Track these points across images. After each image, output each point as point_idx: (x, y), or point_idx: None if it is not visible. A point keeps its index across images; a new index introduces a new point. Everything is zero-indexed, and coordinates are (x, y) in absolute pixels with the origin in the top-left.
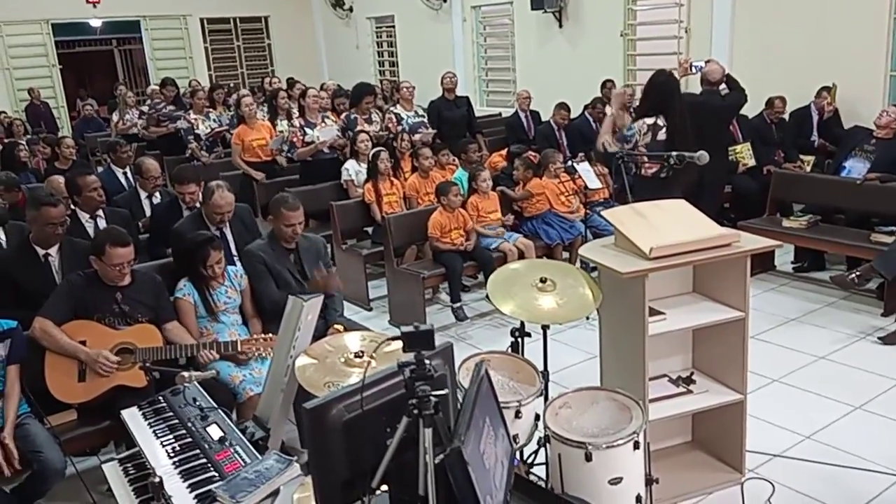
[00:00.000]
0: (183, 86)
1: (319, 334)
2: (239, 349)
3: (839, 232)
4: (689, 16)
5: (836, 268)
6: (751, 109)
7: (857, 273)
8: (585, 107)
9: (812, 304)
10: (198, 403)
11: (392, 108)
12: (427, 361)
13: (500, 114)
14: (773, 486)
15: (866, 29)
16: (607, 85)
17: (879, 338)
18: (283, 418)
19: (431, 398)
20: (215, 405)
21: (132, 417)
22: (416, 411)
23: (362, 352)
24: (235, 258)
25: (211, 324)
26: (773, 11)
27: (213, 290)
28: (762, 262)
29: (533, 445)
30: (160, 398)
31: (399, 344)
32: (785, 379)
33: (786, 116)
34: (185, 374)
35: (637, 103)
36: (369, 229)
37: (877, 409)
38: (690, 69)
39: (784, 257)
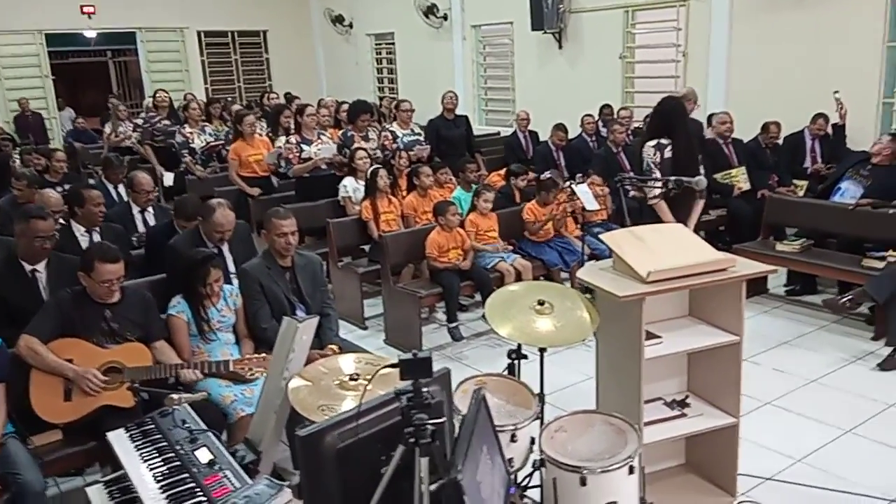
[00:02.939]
0: (178, 99)
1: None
2: (231, 368)
3: (831, 256)
4: (686, 40)
5: (828, 291)
6: (746, 134)
7: (850, 297)
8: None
9: (804, 328)
10: (187, 425)
11: (388, 126)
12: (424, 390)
13: (498, 133)
14: None
15: (860, 56)
16: (605, 111)
17: (878, 364)
18: (276, 441)
19: (428, 427)
20: (205, 427)
21: (118, 439)
22: (412, 440)
23: (357, 374)
24: (233, 276)
25: (203, 343)
26: (769, 38)
27: (208, 308)
28: (755, 285)
29: (528, 468)
30: (149, 419)
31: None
32: (777, 402)
33: (780, 141)
34: (175, 395)
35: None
36: (366, 247)
37: (867, 433)
38: None
39: (777, 280)
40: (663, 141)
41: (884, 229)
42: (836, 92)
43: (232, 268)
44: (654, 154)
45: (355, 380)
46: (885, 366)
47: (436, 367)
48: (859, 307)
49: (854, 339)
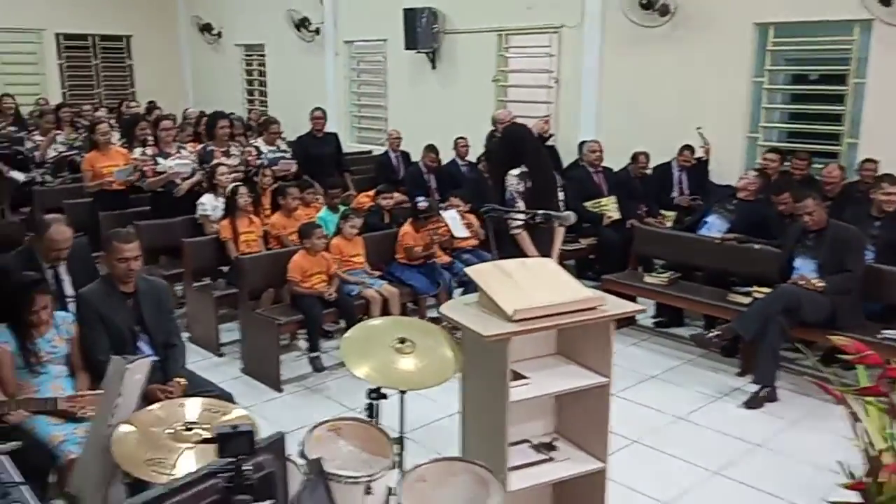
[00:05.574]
0: (30, 104)
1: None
2: (61, 407)
3: (698, 290)
4: (559, 67)
5: (695, 323)
6: (616, 163)
7: (717, 333)
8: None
9: (671, 361)
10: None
11: (252, 142)
12: (247, 468)
13: (370, 151)
14: None
15: (727, 90)
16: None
17: (744, 402)
18: (99, 496)
19: None
20: (19, 480)
21: None
22: None
23: (195, 424)
24: (71, 301)
25: (31, 376)
26: (640, 69)
27: (36, 338)
28: (623, 317)
29: None
30: None
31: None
32: (645, 440)
33: (649, 171)
34: None
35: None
36: (225, 268)
37: (734, 474)
38: None
39: (645, 311)
40: (525, 169)
41: (748, 265)
42: (699, 128)
43: (70, 291)
44: (518, 183)
45: (191, 430)
46: (750, 404)
47: (294, 399)
48: (727, 342)
49: (720, 375)
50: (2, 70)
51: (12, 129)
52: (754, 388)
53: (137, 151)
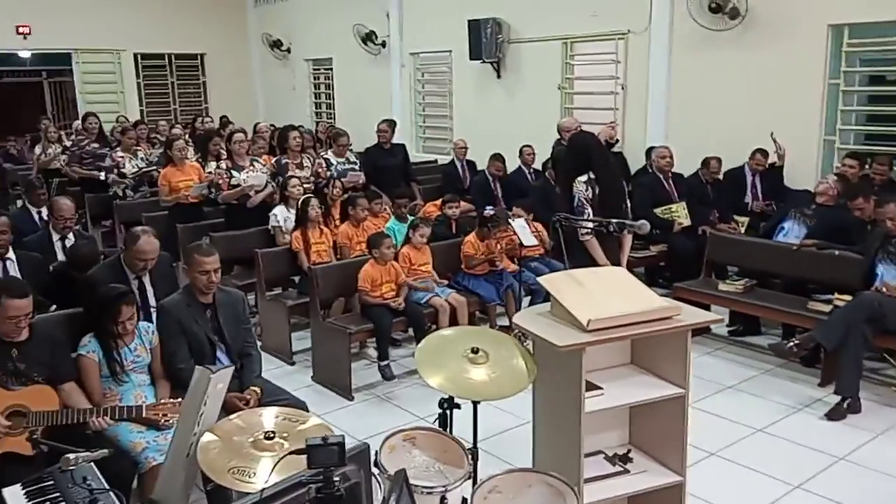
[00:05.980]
0: (110, 121)
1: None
2: (144, 414)
3: (776, 298)
4: (625, 73)
5: (772, 332)
6: (687, 169)
7: (796, 342)
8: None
9: (748, 371)
10: (88, 483)
11: (322, 154)
12: (336, 479)
13: (436, 161)
14: None
15: (801, 93)
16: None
17: (826, 414)
18: (185, 497)
19: None
20: (106, 487)
21: (14, 497)
22: None
23: (274, 433)
24: (153, 311)
25: (115, 384)
26: (709, 73)
27: (121, 348)
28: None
29: None
30: (48, 475)
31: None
32: (723, 453)
33: (721, 177)
34: (71, 456)
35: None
36: (296, 278)
37: (817, 488)
38: None
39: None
40: (593, 176)
41: (829, 271)
42: (772, 133)
43: (153, 301)
44: (586, 190)
45: (271, 438)
46: (832, 416)
47: (365, 408)
48: (807, 352)
49: (800, 385)
50: (85, 90)
51: (95, 145)
52: (836, 399)
53: (212, 165)
